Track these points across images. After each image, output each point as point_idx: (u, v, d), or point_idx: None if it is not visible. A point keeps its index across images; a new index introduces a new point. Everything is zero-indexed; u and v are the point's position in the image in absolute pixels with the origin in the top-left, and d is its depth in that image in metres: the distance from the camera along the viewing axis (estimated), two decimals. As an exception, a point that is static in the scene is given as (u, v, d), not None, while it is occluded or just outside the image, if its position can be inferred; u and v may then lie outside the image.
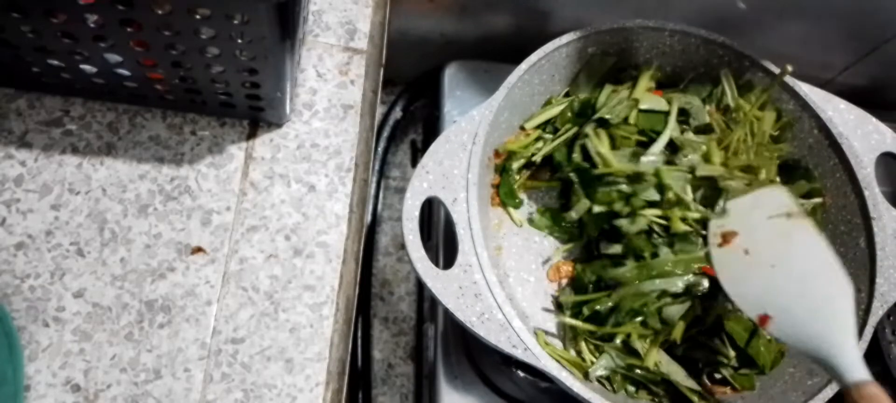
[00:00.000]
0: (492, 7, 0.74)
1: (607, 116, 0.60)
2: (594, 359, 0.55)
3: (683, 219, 0.56)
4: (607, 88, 0.63)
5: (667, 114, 0.61)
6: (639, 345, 0.55)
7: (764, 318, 0.50)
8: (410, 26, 0.78)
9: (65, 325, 0.44)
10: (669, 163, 0.59)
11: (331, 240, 0.49)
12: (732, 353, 0.57)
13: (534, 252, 0.62)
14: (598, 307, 0.56)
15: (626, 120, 0.61)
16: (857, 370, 0.44)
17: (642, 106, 0.61)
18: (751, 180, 0.59)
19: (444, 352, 0.62)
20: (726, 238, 0.54)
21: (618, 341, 0.55)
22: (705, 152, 0.59)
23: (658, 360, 0.55)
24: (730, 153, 0.61)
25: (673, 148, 0.60)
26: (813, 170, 0.62)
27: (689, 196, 0.58)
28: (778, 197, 0.55)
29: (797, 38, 0.75)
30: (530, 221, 0.63)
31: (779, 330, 0.49)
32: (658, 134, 0.60)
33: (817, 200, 0.61)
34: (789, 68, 0.60)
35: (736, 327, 0.57)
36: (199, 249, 0.47)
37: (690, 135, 0.61)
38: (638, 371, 0.55)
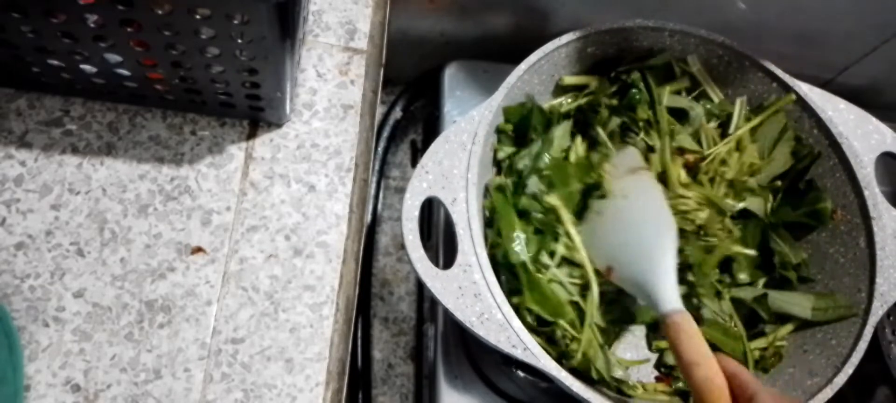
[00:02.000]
0: (492, 7, 0.74)
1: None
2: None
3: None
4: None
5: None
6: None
7: (608, 270, 0.54)
8: (410, 26, 0.78)
9: (65, 325, 0.44)
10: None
11: (331, 240, 0.49)
12: None
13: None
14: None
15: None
16: (669, 301, 0.47)
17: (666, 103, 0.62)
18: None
19: (444, 352, 0.62)
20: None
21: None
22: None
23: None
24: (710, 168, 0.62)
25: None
26: (823, 190, 0.61)
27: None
28: (627, 156, 0.59)
29: (797, 38, 0.75)
30: None
31: (619, 279, 0.53)
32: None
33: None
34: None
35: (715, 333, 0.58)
36: (199, 249, 0.47)
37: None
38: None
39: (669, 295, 0.48)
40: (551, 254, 0.56)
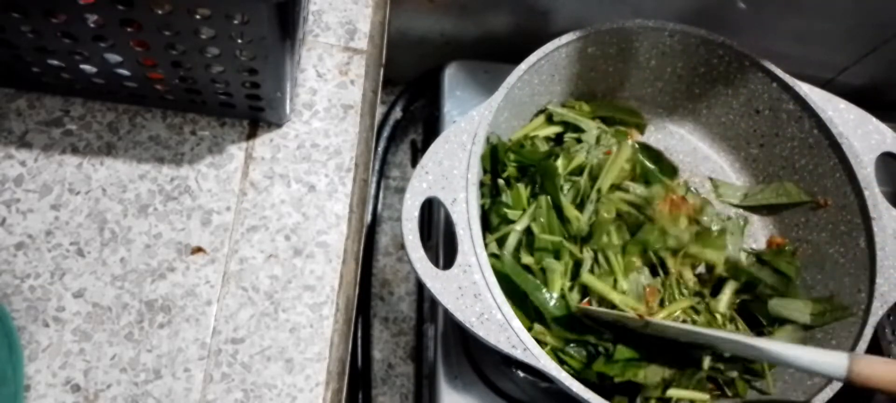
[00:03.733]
0: (492, 7, 0.74)
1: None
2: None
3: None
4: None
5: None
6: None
7: None
8: (410, 26, 0.78)
9: (65, 325, 0.44)
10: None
11: (331, 240, 0.49)
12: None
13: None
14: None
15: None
16: (834, 365, 0.45)
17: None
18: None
19: (444, 352, 0.62)
20: None
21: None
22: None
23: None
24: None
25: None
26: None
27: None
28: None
29: (797, 38, 0.75)
30: None
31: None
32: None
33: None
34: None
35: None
36: (199, 249, 0.47)
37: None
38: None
39: (828, 359, 0.45)
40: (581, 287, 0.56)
